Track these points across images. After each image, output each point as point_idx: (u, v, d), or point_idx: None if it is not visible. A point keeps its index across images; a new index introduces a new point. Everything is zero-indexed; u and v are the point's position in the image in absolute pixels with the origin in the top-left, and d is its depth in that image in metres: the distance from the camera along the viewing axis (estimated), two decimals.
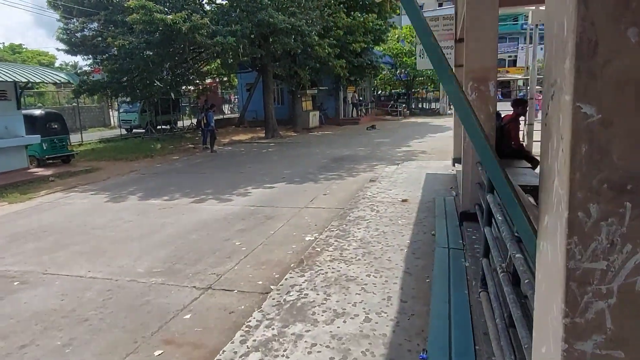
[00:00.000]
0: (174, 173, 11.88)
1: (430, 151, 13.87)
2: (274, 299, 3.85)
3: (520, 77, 36.37)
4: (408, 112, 30.55)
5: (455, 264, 4.32)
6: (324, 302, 3.73)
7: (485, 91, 5.25)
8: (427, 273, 4.22)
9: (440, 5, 59.71)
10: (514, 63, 47.31)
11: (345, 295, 3.84)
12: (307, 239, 5.75)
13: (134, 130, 24.00)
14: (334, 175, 10.29)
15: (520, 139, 6.67)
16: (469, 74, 5.28)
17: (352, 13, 21.46)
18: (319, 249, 4.95)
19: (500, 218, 2.85)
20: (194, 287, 4.46)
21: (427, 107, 34.57)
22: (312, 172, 10.81)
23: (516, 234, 2.47)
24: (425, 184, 8.31)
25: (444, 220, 5.82)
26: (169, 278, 4.71)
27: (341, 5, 20.84)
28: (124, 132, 23.70)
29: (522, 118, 7.11)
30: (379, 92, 39.35)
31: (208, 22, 14.84)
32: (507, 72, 46.72)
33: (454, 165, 10.22)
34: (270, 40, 17.62)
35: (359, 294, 3.84)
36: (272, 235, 5.96)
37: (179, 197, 8.69)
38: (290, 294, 3.89)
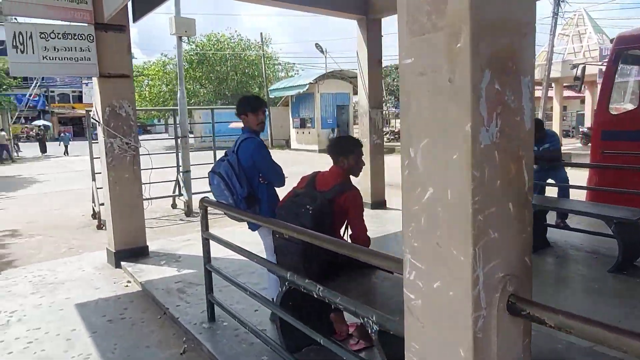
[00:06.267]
0: None
1: (28, 229, 7.91)
2: None
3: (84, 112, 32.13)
4: None
5: None
6: None
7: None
8: None
9: None
10: (79, 99, 47.20)
11: None
12: None
13: None
14: None
15: None
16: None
17: None
18: None
19: None
20: None
21: None
22: None
23: None
24: (98, 349, 3.24)
25: None
26: None
27: None
28: None
29: None
30: None
31: None
32: (74, 108, 45.85)
33: (118, 265, 5.28)
34: None
35: None
36: None
37: None
38: None
